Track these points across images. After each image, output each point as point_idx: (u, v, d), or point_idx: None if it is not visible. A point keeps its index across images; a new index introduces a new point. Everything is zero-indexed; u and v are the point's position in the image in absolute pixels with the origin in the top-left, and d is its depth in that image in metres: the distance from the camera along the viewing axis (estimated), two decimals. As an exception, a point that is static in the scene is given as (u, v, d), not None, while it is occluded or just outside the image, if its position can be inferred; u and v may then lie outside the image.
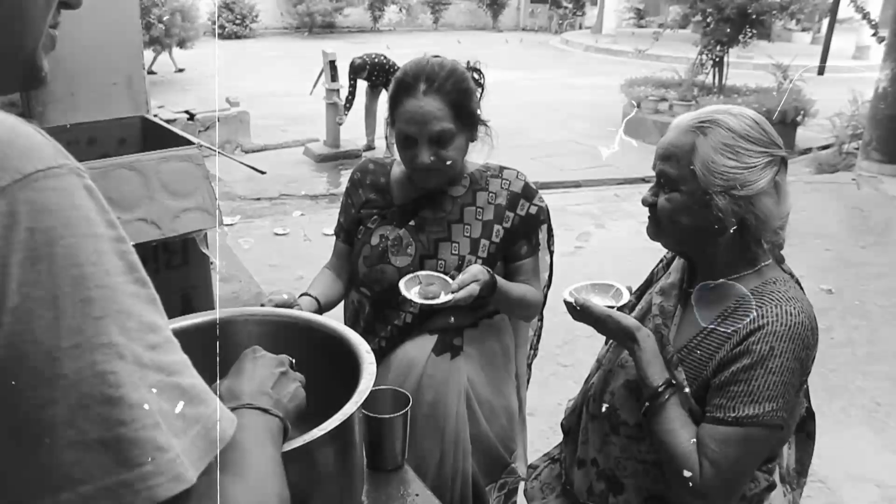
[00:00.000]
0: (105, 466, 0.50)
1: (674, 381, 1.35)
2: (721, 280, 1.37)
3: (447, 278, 1.63)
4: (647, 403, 1.34)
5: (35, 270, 0.50)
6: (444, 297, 1.57)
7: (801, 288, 1.40)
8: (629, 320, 1.39)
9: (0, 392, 0.49)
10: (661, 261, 1.64)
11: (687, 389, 1.34)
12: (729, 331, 1.32)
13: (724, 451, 1.27)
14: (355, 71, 8.15)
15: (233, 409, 0.81)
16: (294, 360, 1.05)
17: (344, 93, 8.23)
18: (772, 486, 1.40)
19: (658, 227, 1.42)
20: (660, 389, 1.32)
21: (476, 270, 1.63)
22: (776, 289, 1.32)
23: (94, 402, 0.50)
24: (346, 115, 8.33)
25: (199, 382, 0.59)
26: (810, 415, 1.49)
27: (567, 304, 1.46)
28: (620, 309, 1.47)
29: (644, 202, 1.43)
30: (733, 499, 1.33)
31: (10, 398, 0.50)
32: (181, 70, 14.35)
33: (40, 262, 0.50)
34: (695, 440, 1.30)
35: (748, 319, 1.29)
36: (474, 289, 1.59)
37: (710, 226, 1.32)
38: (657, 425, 1.33)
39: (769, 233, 1.34)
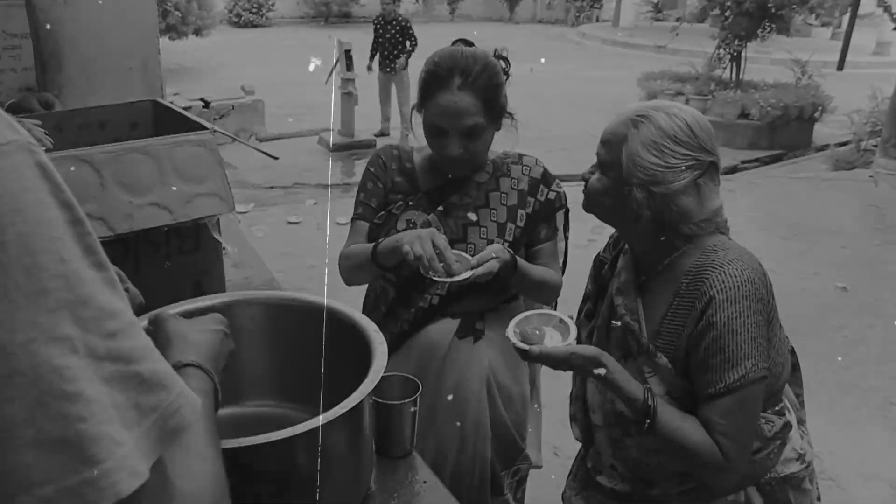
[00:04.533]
0: (67, 466, 0.47)
1: (644, 382, 1.39)
2: (665, 262, 1.43)
3: (469, 257, 1.63)
4: (647, 421, 1.35)
5: None
6: (464, 274, 1.58)
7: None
8: (589, 349, 1.40)
9: None
10: (604, 265, 1.64)
11: (671, 367, 1.39)
12: (687, 306, 1.37)
13: (731, 421, 1.32)
14: (384, 14, 8.34)
15: (183, 366, 0.82)
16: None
17: (359, 81, 8.23)
18: (788, 425, 1.46)
19: (587, 202, 1.50)
20: (649, 401, 1.36)
21: (496, 248, 1.64)
22: (716, 256, 1.37)
23: (53, 399, 0.47)
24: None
25: (160, 367, 0.55)
26: (792, 351, 1.54)
27: (518, 348, 1.42)
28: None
29: (582, 177, 1.51)
30: (749, 455, 1.38)
31: None
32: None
33: None
34: (698, 426, 1.34)
35: (699, 293, 1.35)
36: (493, 265, 1.60)
37: (627, 212, 1.39)
38: (663, 429, 1.35)
39: (690, 226, 1.39)
